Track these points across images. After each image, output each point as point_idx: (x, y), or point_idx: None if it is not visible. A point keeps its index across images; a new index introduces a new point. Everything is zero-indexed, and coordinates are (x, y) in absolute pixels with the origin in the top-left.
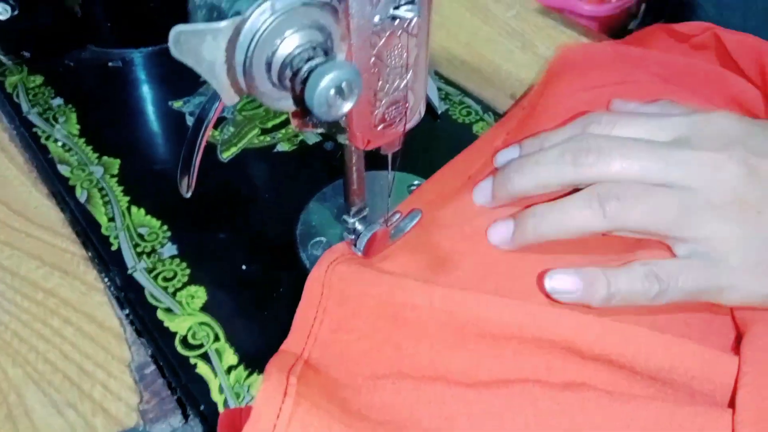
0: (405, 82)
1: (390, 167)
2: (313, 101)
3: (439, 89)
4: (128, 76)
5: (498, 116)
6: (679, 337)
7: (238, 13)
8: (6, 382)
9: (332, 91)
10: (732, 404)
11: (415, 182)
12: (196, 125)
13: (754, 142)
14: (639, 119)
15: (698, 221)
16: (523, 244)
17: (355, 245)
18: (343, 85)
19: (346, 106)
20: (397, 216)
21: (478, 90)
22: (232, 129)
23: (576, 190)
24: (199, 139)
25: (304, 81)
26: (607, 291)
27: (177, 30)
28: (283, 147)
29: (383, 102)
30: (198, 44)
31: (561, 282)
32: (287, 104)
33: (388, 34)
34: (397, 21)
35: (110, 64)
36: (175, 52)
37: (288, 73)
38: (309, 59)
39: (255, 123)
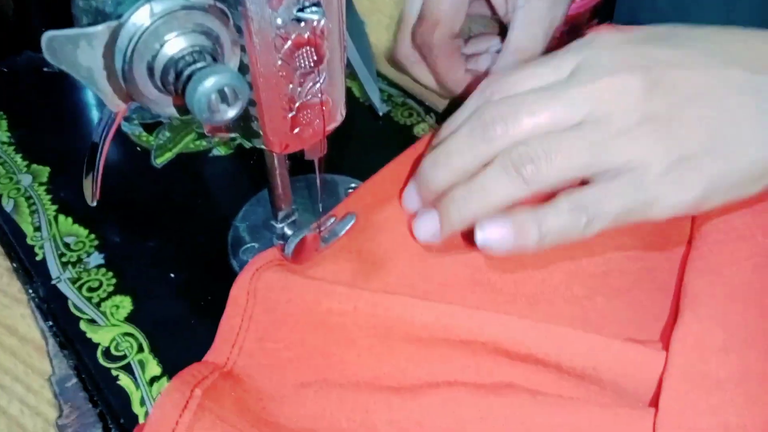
0: (319, 85)
1: (317, 171)
2: (193, 105)
3: (382, 90)
4: (63, 81)
5: (441, 117)
6: (613, 328)
7: (120, 17)
8: None
9: (214, 96)
10: (656, 403)
11: (352, 185)
12: (97, 129)
13: (650, 53)
14: (532, 68)
15: (613, 151)
16: (453, 233)
17: (283, 250)
18: (227, 90)
19: (231, 112)
20: (332, 220)
21: (422, 92)
22: (168, 134)
23: None
24: (99, 146)
25: (185, 84)
26: (538, 232)
27: (49, 36)
28: (219, 151)
29: (296, 105)
30: (72, 50)
31: (493, 232)
32: (174, 110)
33: (294, 36)
34: (303, 23)
35: (45, 69)
36: (50, 58)
37: (170, 77)
38: (192, 63)
39: (192, 127)
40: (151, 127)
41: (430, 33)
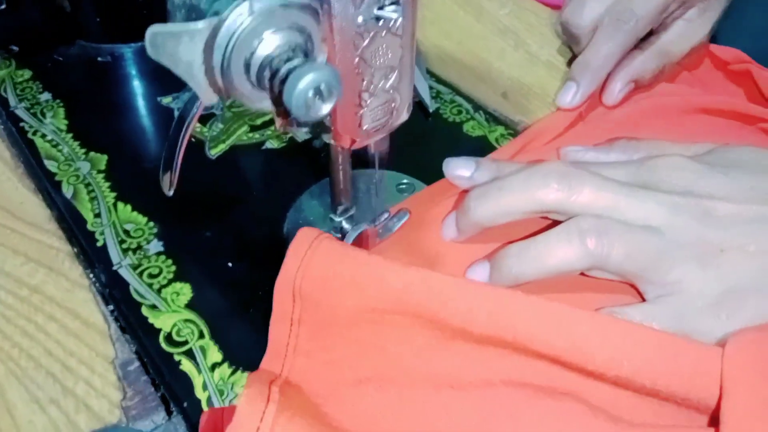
0: (390, 82)
1: (377, 166)
2: (291, 103)
3: (431, 87)
4: (117, 71)
5: (489, 115)
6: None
7: (216, 14)
8: None
9: (311, 93)
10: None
11: (404, 180)
12: (177, 124)
13: (704, 184)
14: (599, 167)
15: (669, 264)
16: (502, 285)
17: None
18: (322, 86)
19: (325, 108)
20: (385, 215)
21: (470, 88)
22: (221, 125)
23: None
24: (181, 137)
25: (283, 82)
26: None
27: (153, 31)
28: (272, 144)
29: (368, 102)
30: (174, 45)
31: None
32: (267, 105)
33: (372, 34)
34: (382, 21)
35: (99, 59)
36: (152, 53)
37: (267, 74)
38: (288, 60)
39: (244, 120)
40: (205, 119)
41: (628, 21)
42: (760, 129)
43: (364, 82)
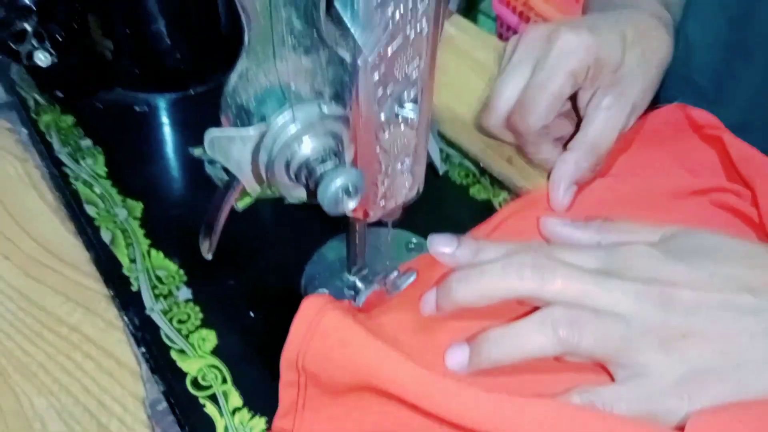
0: (405, 165)
1: (390, 226)
2: (324, 201)
3: (441, 150)
4: (153, 120)
5: (494, 180)
6: None
7: (263, 117)
8: (31, 411)
9: (341, 193)
10: None
11: (413, 240)
12: (220, 195)
13: (667, 273)
14: (570, 251)
15: (635, 349)
16: (479, 369)
17: (354, 300)
18: (350, 187)
19: (351, 204)
20: (395, 274)
21: (478, 152)
22: None
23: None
24: (221, 209)
25: (318, 182)
26: None
27: (211, 135)
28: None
29: (385, 183)
30: (228, 146)
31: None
32: (303, 195)
33: (391, 128)
34: (401, 117)
35: (136, 107)
36: (209, 151)
37: (304, 172)
38: (323, 161)
39: None
40: None
41: (523, 123)
42: (731, 208)
43: (383, 167)
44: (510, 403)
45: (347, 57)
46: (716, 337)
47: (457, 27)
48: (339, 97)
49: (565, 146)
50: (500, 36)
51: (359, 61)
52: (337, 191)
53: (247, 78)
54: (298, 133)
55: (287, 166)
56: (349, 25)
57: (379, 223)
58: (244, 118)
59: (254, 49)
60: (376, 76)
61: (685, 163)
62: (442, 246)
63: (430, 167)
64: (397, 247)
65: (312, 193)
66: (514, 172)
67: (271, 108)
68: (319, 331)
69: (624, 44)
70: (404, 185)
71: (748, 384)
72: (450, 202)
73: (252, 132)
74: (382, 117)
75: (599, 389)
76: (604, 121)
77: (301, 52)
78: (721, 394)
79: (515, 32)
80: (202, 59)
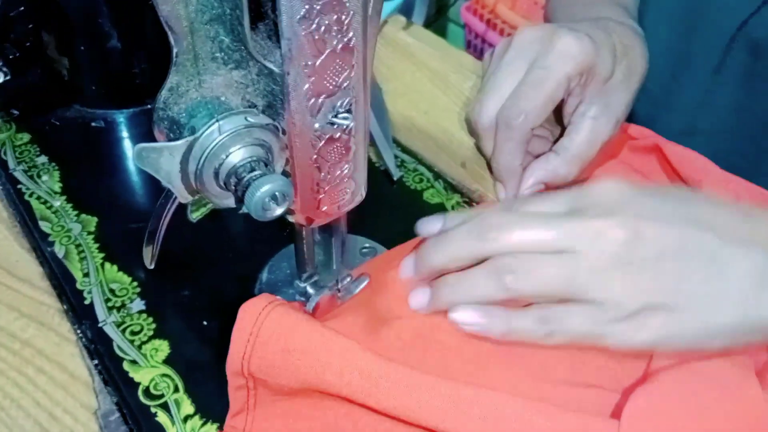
0: (345, 172)
1: (340, 231)
2: (251, 207)
3: (396, 156)
4: (110, 135)
5: (447, 184)
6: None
7: (193, 128)
8: None
9: (267, 199)
10: None
11: (367, 244)
12: (159, 207)
13: (638, 206)
14: (543, 197)
15: (583, 286)
16: (438, 309)
17: (305, 306)
18: (277, 194)
19: (279, 210)
20: (347, 279)
21: (432, 158)
22: None
23: None
24: (160, 224)
25: (245, 189)
26: (505, 327)
27: (140, 147)
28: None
29: (326, 189)
30: (157, 158)
31: (467, 315)
32: (232, 202)
33: (327, 137)
34: (336, 125)
35: (93, 123)
36: (138, 162)
37: (233, 180)
38: (251, 170)
39: None
40: None
41: (516, 118)
42: None
43: (321, 174)
44: (458, 395)
45: (275, 68)
46: (671, 271)
47: (414, 36)
48: (272, 107)
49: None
50: (468, 44)
51: (288, 72)
52: (263, 197)
53: (177, 92)
54: (224, 143)
55: (216, 175)
56: (274, 39)
57: (331, 230)
58: (175, 130)
59: (183, 64)
60: (306, 86)
61: (635, 167)
62: (432, 225)
63: (385, 173)
64: (351, 252)
65: (240, 200)
66: (467, 177)
67: (201, 120)
68: (260, 340)
69: (614, 56)
70: (345, 191)
71: (695, 320)
72: (404, 206)
73: (180, 143)
74: (316, 126)
75: (554, 307)
76: (590, 130)
77: (232, 66)
78: (668, 327)
79: (483, 40)
80: (158, 74)
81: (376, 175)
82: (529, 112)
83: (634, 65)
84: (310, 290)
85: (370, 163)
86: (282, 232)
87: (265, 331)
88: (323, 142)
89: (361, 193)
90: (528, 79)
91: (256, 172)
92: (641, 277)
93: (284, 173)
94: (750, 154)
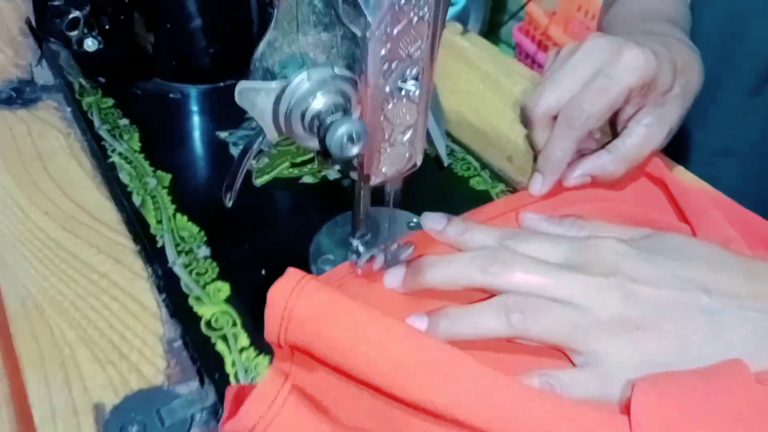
0: (407, 137)
1: (391, 205)
2: (331, 144)
3: (447, 146)
4: (185, 107)
5: (493, 174)
6: None
7: (285, 77)
8: (62, 340)
9: (345, 138)
10: None
11: (414, 220)
12: (242, 152)
13: (630, 268)
14: (543, 241)
15: (588, 337)
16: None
17: (357, 263)
18: (353, 135)
19: (354, 150)
20: (395, 246)
21: (480, 150)
22: (267, 160)
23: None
24: (244, 162)
25: (327, 130)
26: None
27: (241, 86)
28: (307, 180)
29: (388, 151)
30: (254, 96)
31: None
32: (314, 144)
33: (395, 100)
34: (403, 91)
35: (171, 95)
36: (238, 99)
37: (316, 122)
38: (331, 114)
39: (287, 157)
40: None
41: (578, 119)
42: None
43: (386, 135)
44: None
45: (359, 32)
46: (671, 333)
47: (469, 41)
48: (351, 69)
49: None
50: None
51: (368, 37)
52: (342, 137)
53: (273, 47)
54: (312, 89)
55: (302, 116)
56: (362, 6)
57: (382, 203)
58: (268, 79)
59: (281, 23)
60: (383, 52)
61: (641, 198)
62: (434, 223)
63: (436, 159)
64: (400, 225)
65: (321, 140)
66: (512, 169)
67: (292, 70)
68: (292, 326)
69: (674, 71)
70: (404, 155)
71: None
72: (451, 190)
73: (274, 85)
74: (387, 89)
75: (558, 373)
76: (643, 136)
77: (321, 29)
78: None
79: (533, 60)
80: (233, 57)
81: (428, 160)
82: (591, 115)
83: (691, 81)
84: (361, 248)
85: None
86: (336, 202)
87: (298, 314)
88: (391, 104)
89: (418, 160)
90: (593, 86)
91: (336, 115)
92: (639, 334)
93: None
94: None
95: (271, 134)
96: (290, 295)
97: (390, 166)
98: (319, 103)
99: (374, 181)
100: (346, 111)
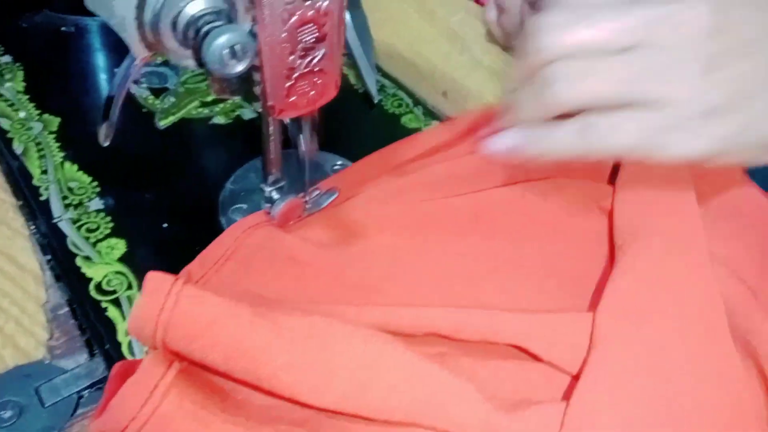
0: (317, 59)
1: (307, 140)
2: (207, 58)
3: (377, 81)
4: (79, 41)
5: (426, 110)
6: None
7: None
8: None
9: (226, 51)
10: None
11: (339, 162)
12: (116, 79)
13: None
14: None
15: (649, 84)
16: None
17: (270, 212)
18: (237, 47)
19: (239, 66)
20: (316, 192)
21: (413, 85)
22: (172, 99)
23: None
24: (117, 91)
25: (202, 39)
26: (543, 142)
27: None
28: (219, 120)
29: (295, 75)
30: (110, 0)
31: (502, 142)
32: (191, 62)
33: (299, 13)
34: (309, 2)
35: (63, 29)
36: (90, 5)
37: (191, 32)
38: (210, 22)
39: (196, 96)
40: (158, 92)
41: None
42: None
43: (291, 57)
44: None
45: None
46: (754, 72)
47: None
48: None
49: None
50: None
51: None
52: (222, 47)
53: None
54: None
55: (174, 25)
56: None
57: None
58: None
59: None
60: None
61: None
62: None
63: (365, 96)
64: (322, 169)
65: (197, 52)
66: (447, 106)
67: None
68: (170, 337)
69: None
70: (316, 83)
71: (763, 130)
72: (381, 129)
73: None
74: None
75: (604, 115)
76: None
77: None
78: (734, 135)
79: None
80: None
81: (356, 97)
82: None
83: None
84: (276, 195)
85: (350, 86)
86: (249, 145)
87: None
88: (294, 19)
89: (334, 89)
90: None
91: (216, 23)
92: (720, 74)
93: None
94: None
95: (138, 50)
96: (162, 312)
97: (301, 96)
98: (194, 7)
99: (285, 115)
100: (230, 20)
